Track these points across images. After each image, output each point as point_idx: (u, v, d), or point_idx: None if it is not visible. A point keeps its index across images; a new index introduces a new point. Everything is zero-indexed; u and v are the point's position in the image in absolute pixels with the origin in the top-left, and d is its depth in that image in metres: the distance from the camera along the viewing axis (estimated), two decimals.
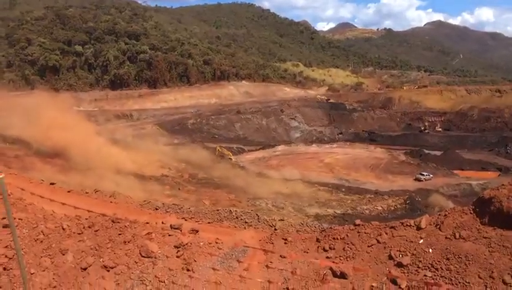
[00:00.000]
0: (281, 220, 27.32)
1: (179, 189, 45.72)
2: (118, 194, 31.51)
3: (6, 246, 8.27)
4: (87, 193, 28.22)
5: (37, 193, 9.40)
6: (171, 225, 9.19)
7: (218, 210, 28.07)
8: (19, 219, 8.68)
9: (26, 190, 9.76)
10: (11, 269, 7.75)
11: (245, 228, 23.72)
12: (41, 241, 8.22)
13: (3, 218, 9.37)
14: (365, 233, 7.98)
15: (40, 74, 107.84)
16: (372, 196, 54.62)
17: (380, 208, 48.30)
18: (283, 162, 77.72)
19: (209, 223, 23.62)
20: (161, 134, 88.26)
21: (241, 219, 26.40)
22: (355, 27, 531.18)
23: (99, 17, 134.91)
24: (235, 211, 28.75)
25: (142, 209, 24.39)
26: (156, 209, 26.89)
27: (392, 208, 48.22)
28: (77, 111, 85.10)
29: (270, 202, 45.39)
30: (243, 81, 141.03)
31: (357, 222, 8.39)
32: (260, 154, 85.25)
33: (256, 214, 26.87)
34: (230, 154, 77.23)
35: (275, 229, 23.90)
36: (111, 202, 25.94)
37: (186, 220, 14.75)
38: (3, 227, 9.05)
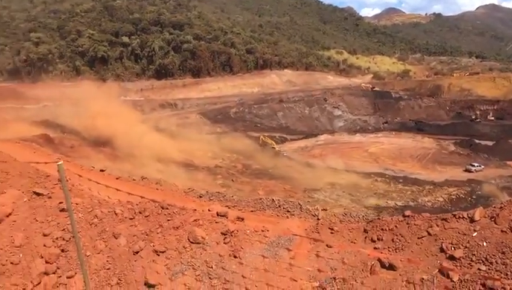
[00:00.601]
0: (324, 209, 27.10)
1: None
2: (163, 181, 32.43)
3: (63, 229, 8.72)
4: (134, 179, 29.22)
5: (91, 179, 9.80)
6: (217, 213, 9.34)
7: (261, 199, 28.23)
8: (76, 204, 9.12)
9: (82, 176, 10.23)
10: (68, 251, 8.18)
11: (287, 217, 23.79)
12: (96, 225, 8.60)
13: (61, 202, 9.88)
14: (415, 225, 7.76)
15: (89, 64, 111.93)
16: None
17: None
18: (326, 151, 76.99)
19: (251, 211, 23.86)
20: (204, 123, 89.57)
21: (284, 208, 26.44)
22: (403, 12, 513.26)
23: (145, 8, 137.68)
24: (278, 199, 28.76)
25: (186, 197, 24.96)
26: (200, 197, 27.44)
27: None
28: (124, 100, 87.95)
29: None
30: (286, 70, 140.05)
31: (407, 213, 8.19)
32: (303, 143, 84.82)
33: (299, 203, 26.80)
34: (274, 143, 77.34)
35: (318, 219, 23.78)
36: (157, 189, 26.74)
37: (229, 208, 14.94)
38: (60, 211, 9.55)
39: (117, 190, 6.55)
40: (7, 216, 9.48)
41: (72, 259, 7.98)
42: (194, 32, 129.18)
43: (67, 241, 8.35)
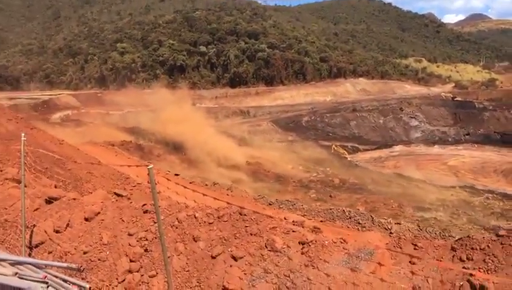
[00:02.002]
0: (398, 223, 26.02)
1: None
2: (234, 187, 33.04)
3: (146, 230, 9.15)
4: (206, 185, 30.09)
5: (178, 183, 10.23)
6: (293, 221, 9.31)
7: (331, 209, 27.75)
8: (159, 206, 9.56)
9: (170, 180, 10.76)
10: (151, 251, 8.57)
11: (358, 229, 23.11)
12: (177, 228, 8.94)
13: (144, 204, 10.42)
14: (510, 245, 7.16)
15: (168, 73, 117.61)
16: None
17: None
18: (401, 162, 74.06)
19: (321, 221, 23.51)
20: (275, 131, 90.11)
21: (355, 220, 25.79)
22: (489, 18, 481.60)
23: (222, 18, 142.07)
24: (349, 211, 28.21)
25: (256, 204, 25.18)
26: (270, 204, 27.60)
27: None
28: (199, 107, 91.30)
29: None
30: (360, 78, 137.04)
31: (501, 232, 7.58)
32: (376, 154, 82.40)
33: (371, 216, 26.02)
34: (345, 152, 75.96)
35: (391, 233, 22.82)
36: (227, 194, 27.32)
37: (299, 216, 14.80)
38: (143, 212, 10.06)
39: (204, 195, 6.74)
40: (96, 215, 10.16)
41: (154, 259, 8.33)
42: (268, 41, 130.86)
43: (150, 241, 8.75)
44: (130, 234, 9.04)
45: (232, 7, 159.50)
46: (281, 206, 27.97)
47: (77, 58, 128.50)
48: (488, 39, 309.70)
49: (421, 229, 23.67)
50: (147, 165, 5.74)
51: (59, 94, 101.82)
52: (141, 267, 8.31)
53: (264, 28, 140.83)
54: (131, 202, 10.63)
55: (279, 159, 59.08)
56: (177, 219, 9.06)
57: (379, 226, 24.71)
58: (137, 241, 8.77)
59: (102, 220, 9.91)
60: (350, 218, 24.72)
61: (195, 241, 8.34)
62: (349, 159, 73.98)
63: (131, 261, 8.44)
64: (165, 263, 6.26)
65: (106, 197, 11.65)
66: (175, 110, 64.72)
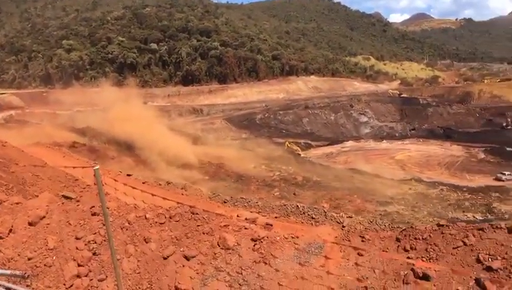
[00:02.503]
0: (350, 217, 26.73)
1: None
2: (188, 186, 32.67)
3: (95, 233, 8.89)
4: (160, 184, 29.59)
5: (126, 183, 9.98)
6: (246, 218, 9.36)
7: (285, 205, 28.10)
8: (107, 208, 9.30)
9: (117, 181, 10.43)
10: (100, 254, 8.33)
11: (312, 224, 23.56)
12: (127, 229, 8.74)
13: (92, 207, 10.10)
14: (450, 234, 7.56)
15: (118, 71, 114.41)
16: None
17: None
18: (351, 158, 76.21)
19: (276, 217, 23.77)
20: (229, 129, 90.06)
21: (308, 215, 26.24)
22: (432, 18, 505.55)
23: (173, 15, 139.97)
24: (302, 206, 28.55)
25: (211, 202, 25.08)
26: (225, 202, 27.55)
27: None
28: (151, 106, 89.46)
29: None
30: (312, 76, 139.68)
31: (441, 222, 8.00)
32: (328, 149, 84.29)
33: (324, 210, 26.57)
34: (299, 149, 77.10)
35: (343, 226, 23.46)
36: (182, 194, 26.99)
37: (253, 213, 14.93)
38: (92, 215, 9.75)
39: (152, 195, 6.62)
40: (41, 219, 9.73)
41: (104, 262, 8.11)
42: (221, 39, 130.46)
43: (99, 244, 8.51)
44: (77, 238, 8.74)
45: (183, 4, 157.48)
46: (235, 203, 27.95)
47: (20, 55, 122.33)
48: (431, 38, 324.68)
49: (371, 222, 24.47)
50: (93, 166, 5.57)
51: (1, 94, 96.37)
52: (90, 271, 8.06)
53: (216, 26, 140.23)
54: (78, 205, 10.26)
55: (237, 157, 58.70)
56: (127, 220, 8.86)
57: (332, 220, 25.19)
58: (85, 244, 8.50)
59: (48, 224, 9.50)
60: (304, 213, 25.09)
61: (146, 243, 8.20)
62: (302, 155, 75.15)
63: (79, 265, 8.16)
64: (114, 266, 6.11)
65: (52, 201, 11.18)
66: (127, 109, 62.88)
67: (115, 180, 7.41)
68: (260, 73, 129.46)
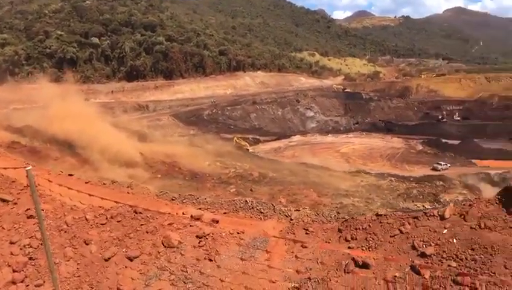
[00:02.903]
0: (297, 210, 27.20)
1: (251, 190, 41.86)
2: (135, 185, 31.84)
3: (31, 237, 8.46)
4: (104, 183, 28.62)
5: (61, 184, 9.57)
6: (191, 216, 9.27)
7: (234, 200, 28.12)
8: (44, 210, 8.86)
9: (51, 182, 9.98)
10: (37, 258, 7.94)
11: (261, 218, 23.82)
12: (65, 232, 8.38)
13: (28, 209, 9.59)
14: (388, 223, 7.92)
15: (57, 66, 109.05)
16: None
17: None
18: (298, 152, 77.62)
19: (225, 213, 23.79)
20: (176, 125, 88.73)
21: (257, 209, 26.42)
22: (373, 15, 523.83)
23: (116, 9, 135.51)
24: (251, 201, 28.65)
25: (159, 200, 24.61)
26: (173, 199, 27.16)
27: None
28: (94, 103, 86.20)
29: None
30: (259, 72, 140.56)
31: (380, 212, 8.35)
32: (276, 144, 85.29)
33: (272, 204, 26.83)
34: (247, 144, 77.40)
35: (291, 220, 23.90)
36: (128, 193, 26.30)
37: (202, 210, 14.84)
38: (27, 218, 9.26)
39: (89, 195, 6.39)
40: None
41: (41, 267, 7.74)
42: (166, 34, 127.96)
43: (35, 248, 8.11)
44: (11, 242, 8.27)
45: None
46: (184, 201, 27.56)
47: None
48: (372, 35, 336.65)
49: (318, 214, 25.04)
50: (25, 167, 5.29)
51: None
52: (26, 277, 7.66)
53: (161, 20, 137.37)
54: (13, 208, 9.71)
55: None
56: (65, 222, 8.50)
57: (280, 213, 25.50)
58: (20, 249, 8.06)
59: None
60: (253, 208, 25.16)
61: (86, 245, 7.91)
62: (250, 150, 75.52)
63: (14, 271, 7.73)
64: (51, 270, 5.85)
65: None
66: (68, 106, 59.94)
67: (49, 181, 7.08)
68: (207, 68, 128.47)
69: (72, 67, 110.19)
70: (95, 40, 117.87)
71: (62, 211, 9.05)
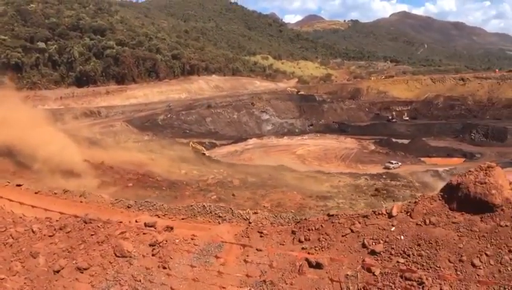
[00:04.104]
0: (255, 213, 27.27)
1: (233, 195, 40.96)
2: (88, 194, 30.72)
3: None
4: (55, 193, 27.49)
5: (4, 196, 9.09)
6: (145, 223, 9.08)
7: (191, 206, 27.81)
8: None
9: None
10: None
11: (219, 222, 23.70)
12: (11, 246, 7.98)
13: None
14: (339, 223, 8.11)
15: (1, 72, 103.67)
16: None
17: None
18: (255, 155, 77.90)
19: (183, 219, 23.47)
20: (130, 131, 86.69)
21: (215, 214, 26.27)
22: (323, 19, 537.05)
23: (62, 13, 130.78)
24: (209, 205, 28.44)
25: (114, 208, 23.94)
26: (128, 207, 26.48)
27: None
28: (42, 110, 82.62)
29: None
30: (213, 75, 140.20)
31: (331, 212, 8.54)
32: (232, 148, 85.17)
33: (231, 208, 26.77)
34: (204, 149, 76.81)
35: (249, 223, 23.97)
36: (81, 201, 25.39)
37: (159, 217, 14.63)
38: None
39: (32, 206, 6.12)
40: None
41: None
42: (116, 38, 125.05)
43: None
44: None
45: (73, 1, 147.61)
46: (140, 208, 26.99)
47: None
48: (323, 38, 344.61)
49: (276, 216, 25.22)
50: None
51: None
52: None
53: (110, 24, 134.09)
54: None
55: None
56: (10, 235, 8.10)
57: (239, 217, 25.50)
58: None
59: None
60: (211, 212, 25.00)
61: (34, 258, 7.57)
62: (207, 154, 74.93)
63: None
64: None
65: None
66: (14, 114, 56.91)
67: None
68: (160, 73, 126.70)
69: (17, 73, 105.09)
70: (42, 44, 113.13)
71: (5, 224, 8.62)
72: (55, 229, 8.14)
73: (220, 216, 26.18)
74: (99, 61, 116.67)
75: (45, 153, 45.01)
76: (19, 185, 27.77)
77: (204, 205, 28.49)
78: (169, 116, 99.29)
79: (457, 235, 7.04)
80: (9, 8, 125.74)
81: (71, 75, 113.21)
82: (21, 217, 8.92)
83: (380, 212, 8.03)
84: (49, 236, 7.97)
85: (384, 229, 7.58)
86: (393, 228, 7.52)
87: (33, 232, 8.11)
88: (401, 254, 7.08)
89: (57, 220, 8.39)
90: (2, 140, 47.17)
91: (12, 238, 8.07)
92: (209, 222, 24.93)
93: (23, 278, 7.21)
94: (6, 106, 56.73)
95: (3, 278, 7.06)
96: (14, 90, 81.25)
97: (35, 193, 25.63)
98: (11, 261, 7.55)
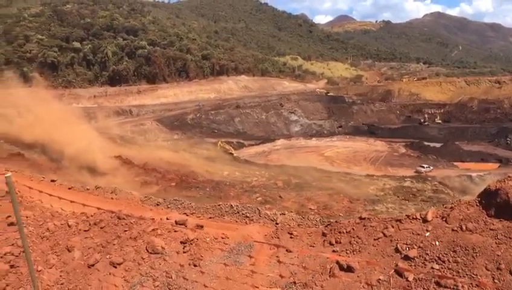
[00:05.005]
0: (282, 214, 27.19)
1: (280, 197, 40.43)
2: (119, 190, 31.37)
3: (12, 244, 8.30)
4: (87, 189, 28.23)
5: (44, 191, 9.41)
6: (176, 221, 9.20)
7: (219, 205, 28.03)
8: (26, 217, 8.71)
9: (33, 188, 9.82)
10: (18, 266, 7.78)
11: (246, 222, 23.79)
12: (48, 239, 8.25)
13: (8, 216, 9.41)
14: (371, 226, 7.97)
15: (38, 71, 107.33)
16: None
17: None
18: (283, 156, 77.73)
19: (210, 218, 23.71)
20: (160, 130, 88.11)
21: (242, 214, 26.40)
22: (354, 19, 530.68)
23: (97, 13, 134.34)
24: (236, 205, 28.56)
25: (143, 206, 24.40)
26: (157, 204, 26.95)
27: None
28: (76, 108, 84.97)
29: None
30: (242, 76, 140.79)
31: (363, 215, 8.41)
32: (260, 148, 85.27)
33: (257, 209, 26.81)
34: (232, 149, 77.21)
35: (276, 224, 23.93)
36: (112, 198, 26.00)
37: (187, 215, 14.76)
38: (8, 225, 9.08)
39: (71, 201, 6.30)
40: None
41: (22, 275, 7.60)
42: (148, 38, 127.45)
43: (16, 256, 7.96)
44: None
45: (107, 1, 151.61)
46: (169, 206, 27.37)
47: None
48: (354, 39, 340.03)
49: (303, 218, 25.09)
50: (4, 173, 5.19)
51: None
52: (7, 285, 7.50)
53: (143, 24, 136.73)
54: None
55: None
56: (47, 229, 8.37)
57: (266, 218, 25.57)
58: (1, 257, 7.90)
59: None
60: (238, 212, 25.12)
61: (69, 251, 7.80)
62: (235, 155, 75.30)
63: None
64: (33, 278, 5.74)
65: None
66: (50, 111, 58.80)
67: (30, 187, 6.96)
68: (190, 73, 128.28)
69: (53, 72, 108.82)
70: (77, 44, 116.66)
71: (44, 218, 8.90)
72: (90, 224, 8.36)
73: (247, 216, 26.31)
74: (131, 61, 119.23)
75: (83, 151, 46.03)
76: (53, 181, 28.68)
77: (231, 205, 28.67)
78: (198, 115, 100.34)
79: (495, 243, 6.80)
80: (46, 8, 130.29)
81: (104, 74, 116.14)
82: (57, 212, 9.21)
83: (414, 216, 7.85)
84: (85, 231, 8.18)
85: (419, 234, 7.39)
86: (428, 233, 7.32)
87: (69, 226, 8.35)
88: (435, 260, 6.89)
89: (91, 215, 8.60)
90: (39, 137, 48.79)
91: (49, 231, 8.33)
92: (236, 221, 25.09)
93: (59, 270, 7.42)
94: (43, 104, 58.64)
95: (40, 270, 7.29)
96: (50, 88, 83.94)
97: (69, 188, 26.41)
98: (48, 254, 7.79)
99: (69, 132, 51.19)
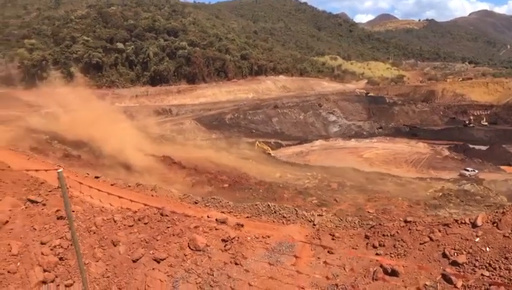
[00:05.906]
0: (320, 215, 26.90)
1: (336, 200, 41.34)
2: (158, 188, 31.95)
3: (61, 237, 8.63)
4: (129, 186, 28.95)
5: (91, 186, 9.73)
6: (216, 219, 9.28)
7: (256, 205, 28.06)
8: (74, 211, 9.02)
9: (82, 184, 10.19)
10: (67, 259, 8.09)
11: (283, 223, 23.71)
12: (94, 233, 8.53)
13: (58, 210, 9.79)
14: (417, 230, 7.73)
15: (83, 71, 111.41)
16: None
17: None
18: (321, 156, 76.94)
19: (247, 217, 23.80)
20: (199, 129, 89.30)
21: (280, 214, 26.32)
22: (396, 18, 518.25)
23: (140, 15, 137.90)
24: (274, 205, 28.50)
25: (182, 203, 24.78)
26: (196, 203, 27.31)
27: None
28: (119, 107, 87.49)
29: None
30: (281, 76, 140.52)
31: (408, 218, 8.17)
32: (297, 149, 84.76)
33: (295, 209, 26.66)
34: (269, 148, 77.21)
35: (314, 225, 23.71)
36: (152, 195, 26.56)
37: (225, 214, 14.88)
38: (57, 219, 9.45)
39: (119, 197, 6.47)
40: (4, 224, 9.34)
41: (71, 267, 7.89)
42: (188, 39, 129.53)
43: (65, 249, 8.27)
44: (42, 243, 8.45)
45: (149, 3, 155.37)
46: (207, 204, 27.68)
47: None
48: (395, 38, 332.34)
49: (341, 219, 24.75)
50: (56, 169, 5.39)
51: None
52: (56, 276, 7.82)
53: (183, 25, 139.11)
54: (43, 209, 9.92)
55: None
56: (94, 223, 8.65)
57: (303, 218, 25.41)
58: (51, 249, 8.23)
59: (11, 229, 9.14)
60: (275, 212, 25.09)
61: (115, 246, 8.03)
62: (272, 155, 75.24)
63: (45, 271, 7.89)
64: (81, 270, 5.94)
65: (16, 205, 10.76)
66: (95, 110, 60.75)
67: (80, 183, 7.20)
68: (229, 73, 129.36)
69: (98, 72, 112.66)
70: (120, 45, 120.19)
71: (91, 213, 9.21)
72: (134, 220, 8.57)
73: (284, 216, 26.20)
74: (171, 61, 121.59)
75: (130, 150, 46.98)
76: (97, 177, 29.63)
77: (269, 205, 28.64)
78: (236, 115, 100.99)
79: None
80: (91, 10, 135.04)
81: (146, 74, 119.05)
82: (103, 207, 9.50)
83: (463, 221, 7.55)
84: (129, 226, 8.40)
85: (468, 240, 7.10)
86: (477, 239, 7.02)
87: (114, 221, 8.59)
88: (486, 267, 6.60)
89: (136, 212, 8.81)
90: (88, 137, 50.47)
91: (96, 226, 8.59)
92: (273, 221, 25.05)
93: (105, 264, 7.65)
94: (94, 104, 60.66)
95: (88, 263, 7.53)
96: (94, 88, 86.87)
97: (111, 184, 27.22)
98: (95, 248, 8.05)
99: (116, 131, 52.59)
